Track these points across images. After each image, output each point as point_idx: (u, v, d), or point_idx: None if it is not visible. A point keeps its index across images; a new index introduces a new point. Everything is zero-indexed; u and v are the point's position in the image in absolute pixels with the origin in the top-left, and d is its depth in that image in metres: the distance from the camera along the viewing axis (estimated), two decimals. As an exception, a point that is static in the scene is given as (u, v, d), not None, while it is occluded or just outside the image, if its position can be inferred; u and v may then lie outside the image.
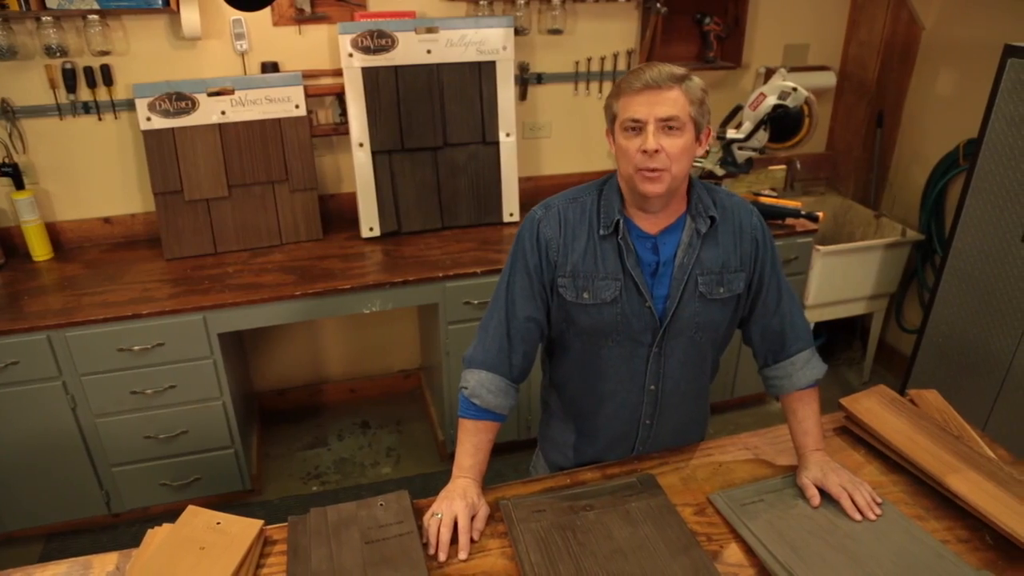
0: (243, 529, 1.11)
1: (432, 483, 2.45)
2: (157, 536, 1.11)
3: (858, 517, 1.16)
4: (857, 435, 1.40)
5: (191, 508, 1.15)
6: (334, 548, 1.08)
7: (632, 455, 1.35)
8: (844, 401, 1.43)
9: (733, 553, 1.12)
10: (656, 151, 1.09)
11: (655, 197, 1.14)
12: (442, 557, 1.09)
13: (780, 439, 1.40)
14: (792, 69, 2.81)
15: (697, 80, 1.13)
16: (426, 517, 1.15)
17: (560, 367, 1.33)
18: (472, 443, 1.23)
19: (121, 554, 1.12)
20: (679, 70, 1.11)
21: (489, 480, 1.25)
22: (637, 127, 1.10)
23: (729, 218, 1.23)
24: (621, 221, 1.19)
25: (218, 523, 1.12)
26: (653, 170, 1.10)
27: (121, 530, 2.30)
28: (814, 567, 1.07)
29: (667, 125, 1.09)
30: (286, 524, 1.16)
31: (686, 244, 1.20)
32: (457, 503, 1.14)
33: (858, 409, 1.41)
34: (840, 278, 2.73)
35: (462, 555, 1.10)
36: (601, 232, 1.19)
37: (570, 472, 1.30)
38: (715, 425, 2.80)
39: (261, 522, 1.13)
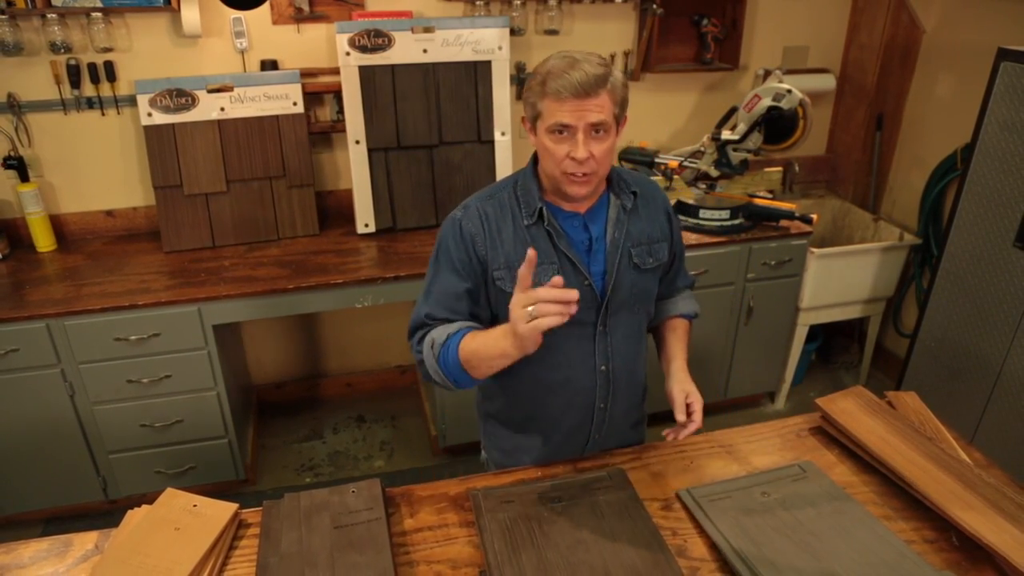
0: (218, 512, 1.15)
1: (424, 477, 2.47)
2: (135, 517, 1.15)
3: (693, 428, 1.25)
4: (831, 435, 1.40)
5: (169, 491, 1.19)
6: (304, 532, 1.11)
7: (589, 451, 1.36)
8: (820, 401, 1.44)
9: (697, 547, 1.14)
10: (586, 158, 1.11)
11: (581, 197, 1.18)
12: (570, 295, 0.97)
13: (755, 437, 1.41)
14: (791, 71, 2.82)
15: (618, 74, 1.13)
16: (522, 311, 0.98)
17: (506, 371, 1.27)
18: (482, 333, 1.12)
19: (101, 533, 1.16)
20: (602, 67, 1.09)
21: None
22: (567, 131, 1.10)
23: (646, 194, 1.30)
24: (543, 208, 1.21)
25: (195, 505, 1.16)
26: (582, 175, 1.13)
27: (117, 516, 2.29)
28: (775, 564, 1.08)
29: (595, 129, 1.11)
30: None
31: (614, 219, 1.25)
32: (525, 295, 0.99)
33: (833, 409, 1.41)
34: (836, 281, 2.72)
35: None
36: (525, 222, 1.22)
37: (541, 466, 1.32)
38: (708, 427, 2.79)
39: (236, 505, 1.16)
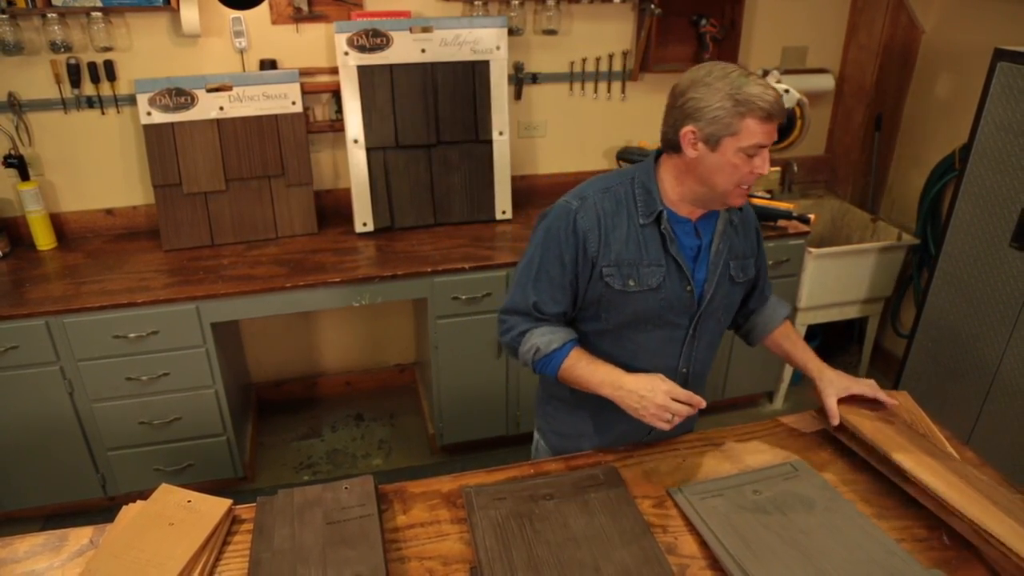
0: (212, 507, 1.16)
1: (422, 475, 2.48)
2: (130, 512, 1.16)
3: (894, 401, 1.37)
4: (825, 434, 1.41)
5: (164, 486, 1.20)
6: (297, 528, 1.12)
7: (650, 439, 1.39)
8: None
9: (687, 545, 1.14)
10: None
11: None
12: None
13: (748, 436, 1.42)
14: (790, 72, 2.82)
15: None
16: (665, 414, 1.18)
17: None
18: (587, 362, 1.26)
19: (96, 529, 1.17)
20: None
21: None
22: (759, 150, 1.14)
23: (745, 212, 1.35)
24: (664, 212, 1.23)
25: (189, 501, 1.17)
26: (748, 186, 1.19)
27: (116, 513, 2.33)
28: (765, 561, 1.08)
29: None
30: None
31: (721, 231, 1.28)
32: (654, 379, 1.20)
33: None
34: (833, 281, 2.72)
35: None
36: (641, 221, 1.23)
37: (534, 463, 1.33)
38: (705, 425, 2.80)
39: (229, 501, 1.17)
